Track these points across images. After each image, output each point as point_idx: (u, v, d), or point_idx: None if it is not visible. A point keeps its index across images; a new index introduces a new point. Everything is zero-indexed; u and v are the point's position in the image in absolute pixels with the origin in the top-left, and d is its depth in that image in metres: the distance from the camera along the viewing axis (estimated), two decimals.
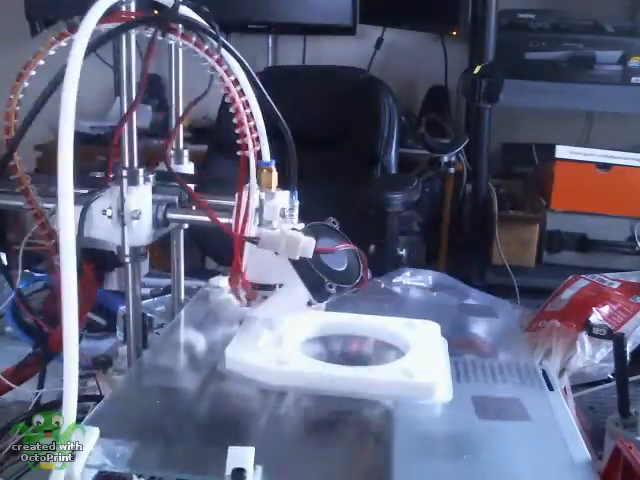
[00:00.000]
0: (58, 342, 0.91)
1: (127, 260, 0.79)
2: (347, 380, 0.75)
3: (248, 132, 0.76)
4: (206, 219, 0.82)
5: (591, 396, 1.03)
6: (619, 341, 0.88)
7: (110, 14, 0.71)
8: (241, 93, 0.76)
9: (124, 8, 0.73)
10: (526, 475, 0.70)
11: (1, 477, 0.77)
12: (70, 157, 0.63)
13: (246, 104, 0.77)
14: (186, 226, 0.94)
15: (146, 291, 1.20)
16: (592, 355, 1.07)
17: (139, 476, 0.65)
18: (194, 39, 0.75)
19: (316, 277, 0.77)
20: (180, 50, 0.88)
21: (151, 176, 0.81)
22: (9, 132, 0.76)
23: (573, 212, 1.99)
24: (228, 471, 0.58)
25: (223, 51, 0.75)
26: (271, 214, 0.78)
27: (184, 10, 0.76)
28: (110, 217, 0.78)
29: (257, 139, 0.78)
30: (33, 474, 0.76)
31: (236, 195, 0.77)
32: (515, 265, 1.97)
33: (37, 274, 1.23)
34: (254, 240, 0.76)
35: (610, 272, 1.31)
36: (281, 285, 0.81)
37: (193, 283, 1.10)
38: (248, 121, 0.76)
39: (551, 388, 0.84)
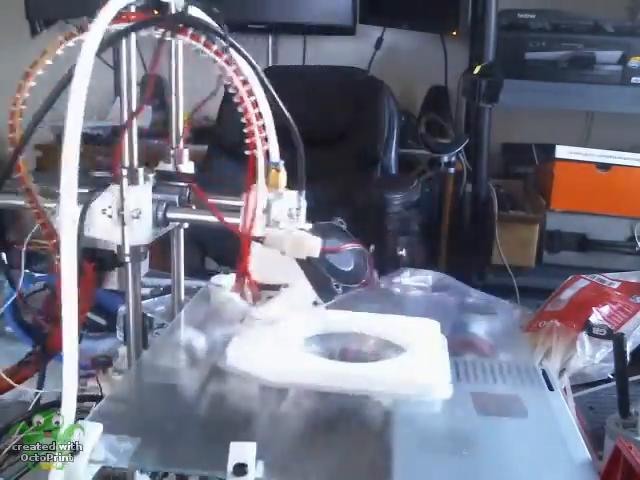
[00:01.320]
0: (58, 341, 0.91)
1: (127, 259, 0.79)
2: (348, 377, 0.76)
3: (256, 131, 0.75)
4: (208, 218, 0.82)
5: (591, 396, 1.03)
6: (619, 341, 0.88)
7: (119, 16, 0.71)
8: (250, 92, 0.76)
9: (133, 9, 0.73)
10: (526, 476, 0.70)
11: (1, 477, 0.77)
12: (75, 157, 0.64)
13: (255, 104, 0.76)
14: (186, 226, 0.94)
15: (146, 291, 1.20)
16: (592, 355, 1.07)
17: (141, 472, 0.65)
18: (203, 40, 0.75)
19: (322, 276, 0.76)
20: (180, 50, 0.88)
21: (151, 175, 0.81)
22: (13, 130, 0.76)
23: (573, 212, 1.98)
24: (230, 466, 0.58)
25: (232, 51, 0.75)
26: (279, 214, 0.77)
27: (193, 11, 0.76)
28: (110, 216, 0.78)
29: (265, 139, 0.77)
30: (33, 474, 0.77)
31: (244, 195, 0.77)
32: (515, 265, 1.97)
33: (37, 274, 1.23)
34: (260, 239, 0.76)
35: (610, 272, 1.31)
36: (286, 285, 0.81)
37: (193, 283, 1.10)
38: (257, 120, 0.76)
39: (551, 388, 0.84)
